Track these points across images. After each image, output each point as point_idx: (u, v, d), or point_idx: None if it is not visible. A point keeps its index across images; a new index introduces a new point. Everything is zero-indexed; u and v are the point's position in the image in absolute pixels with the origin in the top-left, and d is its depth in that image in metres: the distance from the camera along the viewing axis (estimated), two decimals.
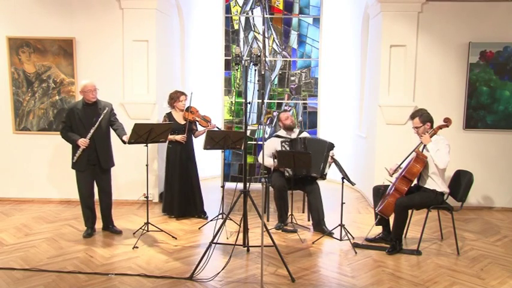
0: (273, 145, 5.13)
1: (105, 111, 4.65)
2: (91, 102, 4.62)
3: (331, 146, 4.96)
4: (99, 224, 4.94)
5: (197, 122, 5.41)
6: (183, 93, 5.35)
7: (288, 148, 5.00)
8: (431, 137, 4.32)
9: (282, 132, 5.29)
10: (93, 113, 4.62)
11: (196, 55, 7.33)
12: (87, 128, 4.57)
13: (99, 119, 4.59)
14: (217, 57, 7.23)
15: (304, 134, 5.31)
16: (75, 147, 4.60)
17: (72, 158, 4.62)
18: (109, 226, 4.92)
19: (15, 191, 6.14)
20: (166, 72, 6.34)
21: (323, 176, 4.97)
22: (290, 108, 7.15)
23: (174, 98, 5.32)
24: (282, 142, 5.03)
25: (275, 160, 4.90)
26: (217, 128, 5.48)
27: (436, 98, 5.80)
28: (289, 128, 5.24)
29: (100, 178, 4.78)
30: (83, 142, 4.53)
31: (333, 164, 4.88)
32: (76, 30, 5.87)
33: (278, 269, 3.92)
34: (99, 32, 5.89)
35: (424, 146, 4.35)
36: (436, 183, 4.34)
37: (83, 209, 4.80)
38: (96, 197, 4.87)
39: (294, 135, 5.20)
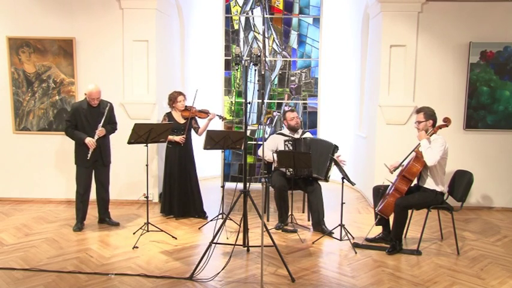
0: (275, 141, 5.12)
1: (106, 109, 4.84)
2: None
3: (336, 148, 4.92)
4: (93, 220, 4.96)
5: (197, 118, 5.41)
6: (180, 94, 5.34)
7: (291, 148, 4.97)
8: (430, 136, 4.32)
9: (285, 131, 5.26)
10: (97, 112, 4.84)
11: (197, 55, 7.33)
12: (92, 127, 4.77)
13: (102, 120, 4.79)
14: (217, 57, 7.23)
15: (307, 135, 5.29)
16: (81, 145, 4.76)
17: (77, 156, 4.82)
18: (105, 219, 5.07)
19: (15, 191, 6.14)
20: (166, 72, 6.34)
21: (327, 178, 4.96)
22: (290, 107, 7.14)
23: (172, 99, 5.32)
24: (285, 141, 5.00)
25: (275, 156, 4.88)
26: (218, 115, 5.48)
27: (436, 98, 5.80)
28: (293, 129, 5.22)
29: (100, 173, 4.95)
30: (91, 144, 4.71)
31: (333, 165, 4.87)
32: (76, 30, 5.87)
33: (278, 269, 3.92)
34: (99, 32, 5.88)
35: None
36: (435, 182, 4.33)
37: (78, 203, 4.92)
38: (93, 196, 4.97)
39: (297, 136, 5.18)
